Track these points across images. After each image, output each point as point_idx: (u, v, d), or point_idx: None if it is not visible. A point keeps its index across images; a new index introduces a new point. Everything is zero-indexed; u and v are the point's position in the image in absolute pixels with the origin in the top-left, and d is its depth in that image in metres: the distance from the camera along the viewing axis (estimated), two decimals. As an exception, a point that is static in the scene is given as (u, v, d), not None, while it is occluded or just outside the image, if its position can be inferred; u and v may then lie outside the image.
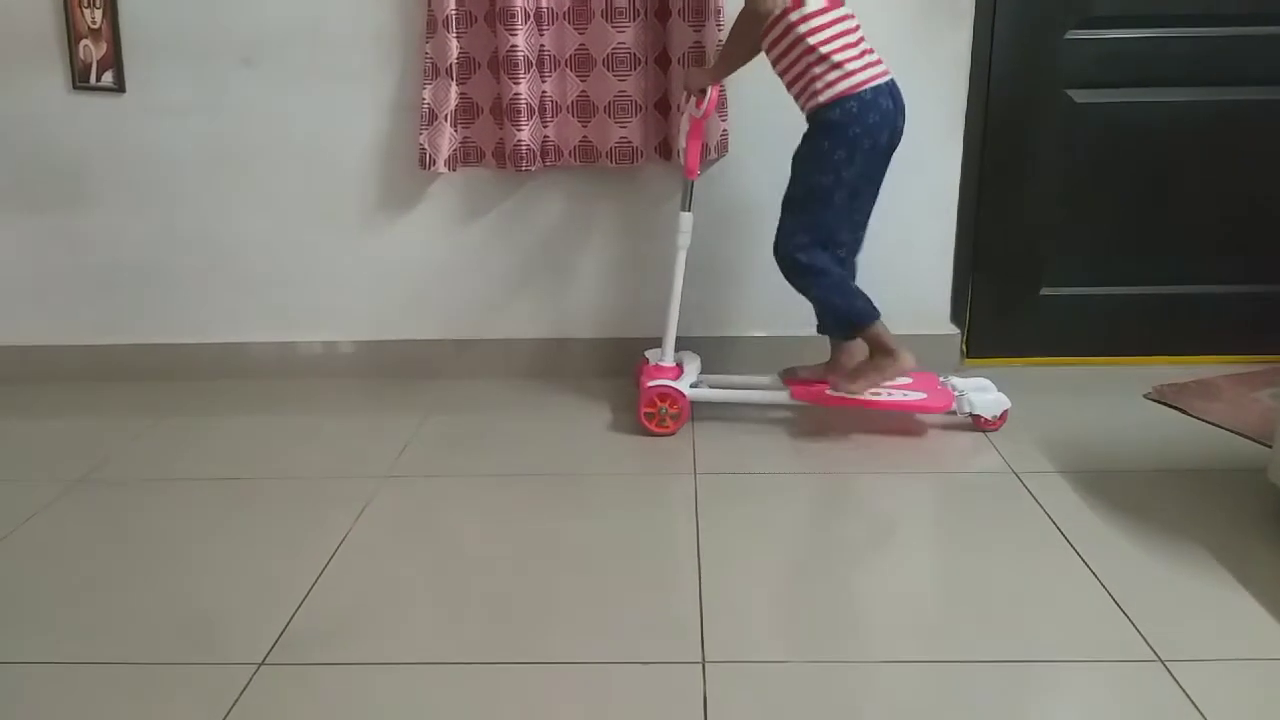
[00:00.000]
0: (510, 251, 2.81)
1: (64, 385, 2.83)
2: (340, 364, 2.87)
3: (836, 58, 2.12)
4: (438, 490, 2.18)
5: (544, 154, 2.65)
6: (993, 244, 2.82)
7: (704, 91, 2.32)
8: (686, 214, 2.43)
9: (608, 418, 2.54)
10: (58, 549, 1.94)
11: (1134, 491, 2.08)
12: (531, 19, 2.52)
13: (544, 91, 2.61)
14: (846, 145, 2.15)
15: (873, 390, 2.35)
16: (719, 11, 2.52)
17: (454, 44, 2.53)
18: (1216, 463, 2.22)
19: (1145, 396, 2.62)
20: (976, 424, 2.41)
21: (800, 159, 2.24)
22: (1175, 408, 2.53)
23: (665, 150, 2.66)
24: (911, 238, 2.77)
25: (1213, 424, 2.42)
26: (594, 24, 2.56)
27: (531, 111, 2.57)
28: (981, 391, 2.42)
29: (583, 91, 2.63)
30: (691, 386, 2.47)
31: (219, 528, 2.02)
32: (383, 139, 2.71)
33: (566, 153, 2.67)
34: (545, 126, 2.63)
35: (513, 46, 2.49)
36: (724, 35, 2.58)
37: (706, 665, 1.51)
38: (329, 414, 2.63)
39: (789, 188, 2.27)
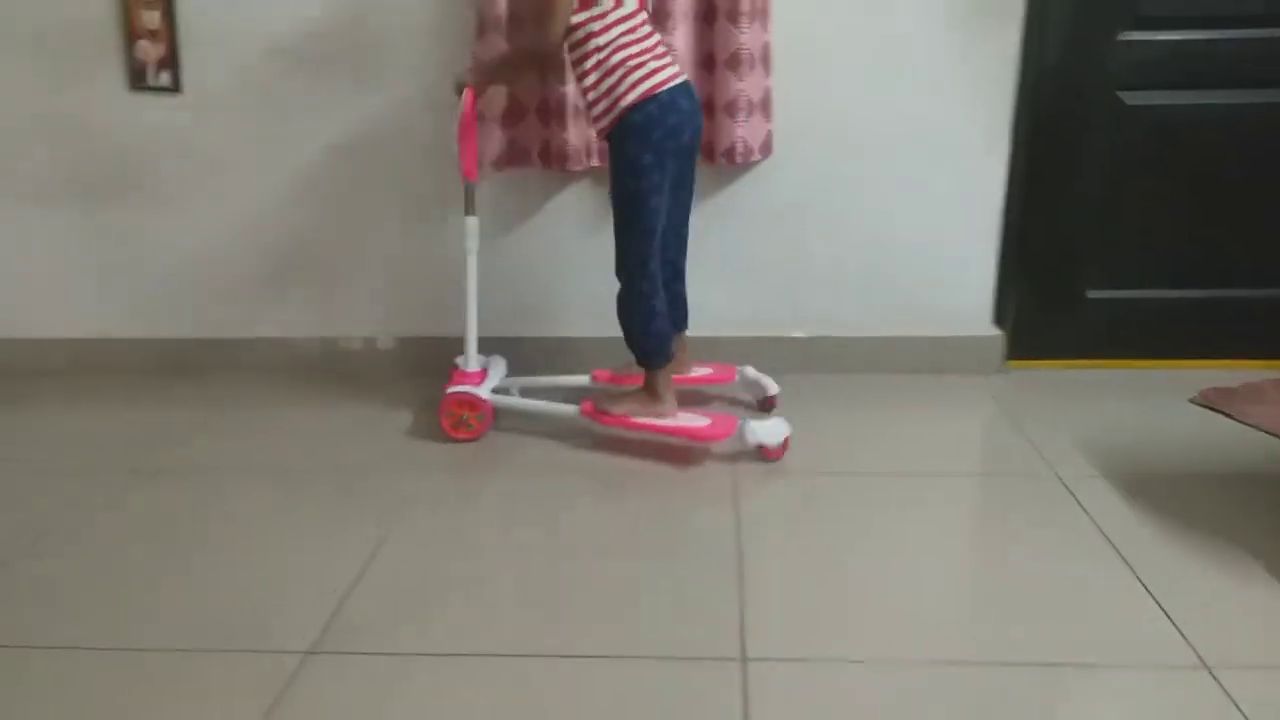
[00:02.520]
0: (554, 249, 2.84)
1: (121, 378, 2.90)
2: (381, 359, 2.92)
3: (634, 61, 2.13)
4: (472, 486, 2.22)
5: (589, 154, 2.68)
6: (1037, 245, 2.81)
7: (469, 91, 2.30)
8: (471, 218, 2.43)
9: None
10: (120, 536, 2.00)
11: (1179, 496, 2.07)
12: (578, 20, 2.55)
13: (589, 92, 2.63)
14: (654, 148, 2.13)
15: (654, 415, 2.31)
16: (765, 13, 2.53)
17: (503, 45, 2.56)
18: (1263, 467, 2.20)
19: (1190, 401, 2.60)
20: (763, 454, 2.28)
21: (612, 173, 2.20)
22: (1221, 412, 2.51)
23: (709, 151, 2.68)
24: (954, 238, 2.77)
25: (1259, 429, 2.40)
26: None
27: (577, 112, 2.60)
28: (765, 423, 2.29)
29: (627, 92, 2.65)
30: (494, 391, 2.48)
31: (270, 518, 2.07)
32: (431, 139, 2.75)
33: (611, 153, 2.70)
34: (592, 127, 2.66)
35: (560, 48, 2.52)
36: (770, 37, 2.60)
37: (749, 663, 1.53)
38: (372, 408, 2.67)
39: (612, 207, 2.23)
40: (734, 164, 2.67)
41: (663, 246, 2.27)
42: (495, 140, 2.65)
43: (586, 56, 2.14)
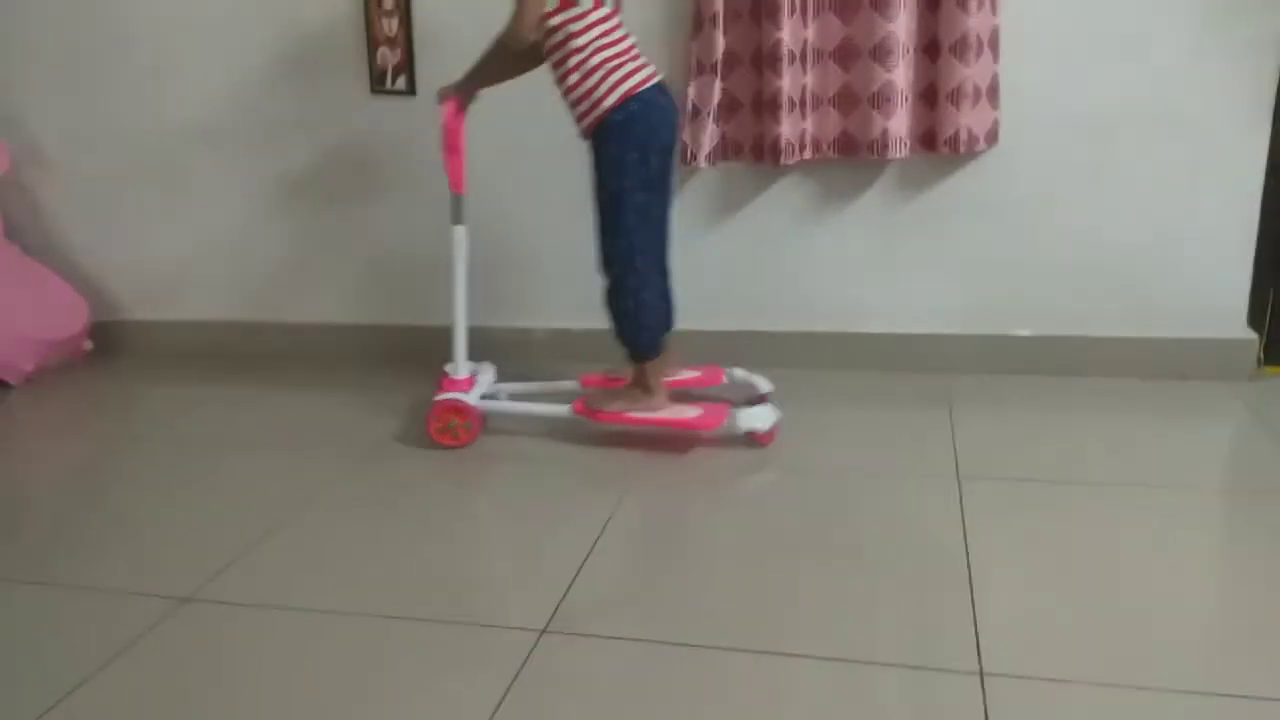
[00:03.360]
0: (762, 243, 2.82)
1: (347, 361, 3.11)
2: (591, 348, 2.99)
3: (614, 62, 2.16)
4: (689, 478, 2.23)
5: (802, 147, 2.64)
6: (1301, 239, 2.55)
7: (451, 100, 2.35)
8: (459, 227, 2.43)
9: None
10: (354, 510, 2.14)
11: None
12: (798, 12, 2.52)
13: (805, 84, 2.60)
14: (637, 147, 2.17)
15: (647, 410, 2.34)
16: (995, -5, 2.42)
17: (720, 40, 2.57)
18: None
19: None
20: (754, 439, 2.33)
21: (595, 172, 2.22)
22: None
23: (930, 141, 2.59)
24: (1206, 233, 2.55)
25: None
26: (861, 14, 2.52)
27: (792, 105, 2.57)
28: (752, 410, 2.33)
29: (845, 83, 2.60)
30: (483, 398, 2.48)
31: (484, 500, 2.17)
32: (645, 134, 2.79)
33: (825, 145, 2.65)
34: (804, 120, 2.62)
35: (777, 41, 2.50)
36: (999, 20, 2.48)
37: (987, 678, 1.47)
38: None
39: (594, 207, 2.25)
40: (956, 153, 2.56)
41: (650, 244, 2.29)
42: (709, 134, 2.66)
43: (567, 57, 2.17)
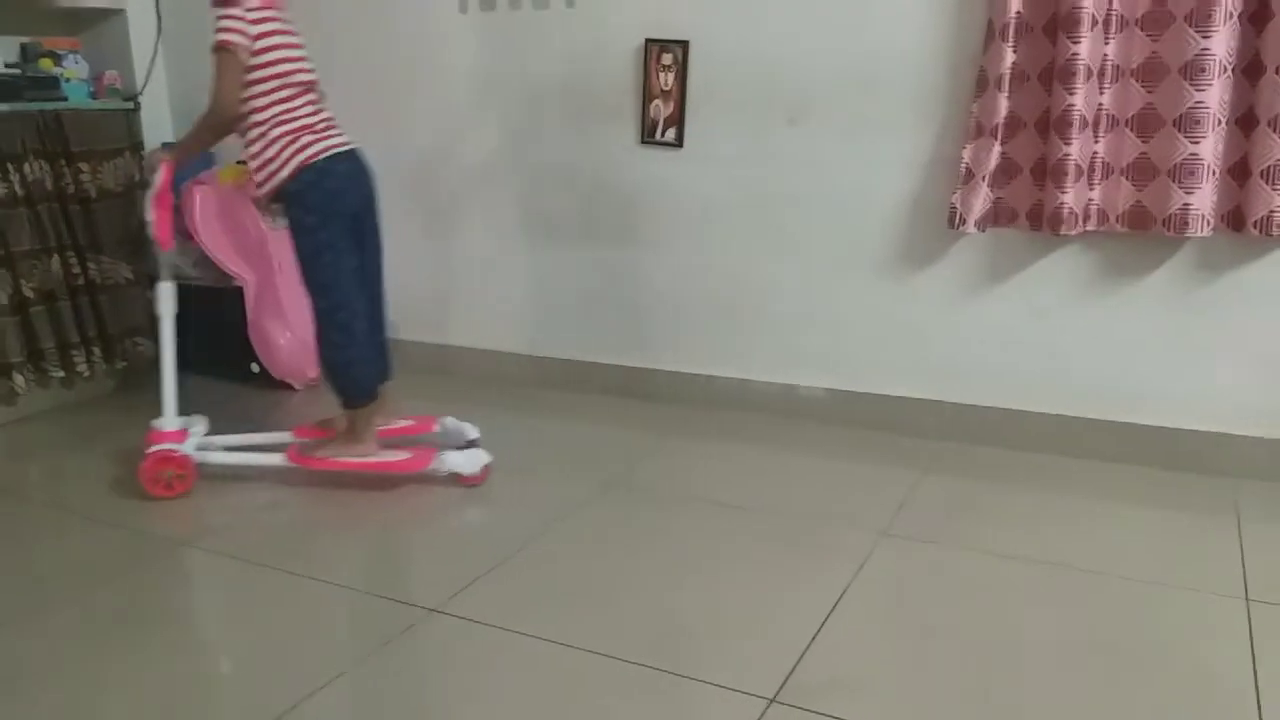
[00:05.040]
0: (1030, 317, 2.65)
1: (591, 397, 3.20)
2: (835, 409, 2.92)
3: (292, 135, 2.33)
4: (936, 557, 2.10)
5: (1086, 217, 2.47)
6: None
7: (168, 165, 2.44)
8: (165, 284, 2.47)
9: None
10: (589, 543, 2.18)
11: None
12: (1094, 77, 2.37)
13: (1095, 152, 2.43)
14: (316, 211, 2.35)
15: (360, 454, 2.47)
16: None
17: (1004, 103, 2.46)
18: None
19: None
20: (461, 482, 2.48)
21: (291, 237, 2.40)
22: None
23: (1237, 221, 2.35)
24: None
25: None
26: (1167, 81, 2.34)
27: (1080, 172, 2.41)
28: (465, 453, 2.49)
29: (1142, 153, 2.41)
30: (198, 449, 2.52)
31: (723, 550, 2.14)
32: (911, 195, 2.72)
33: (1113, 217, 2.47)
34: (1091, 189, 2.45)
35: (1069, 106, 2.36)
36: (1335, 91, 2.22)
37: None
38: (825, 456, 2.67)
39: (301, 270, 2.41)
40: (1269, 236, 2.31)
41: (353, 299, 2.42)
42: (982, 199, 2.54)
43: (250, 129, 2.35)
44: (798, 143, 2.82)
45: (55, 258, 3.02)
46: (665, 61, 2.92)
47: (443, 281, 3.45)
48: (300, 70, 2.38)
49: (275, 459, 2.50)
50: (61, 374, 3.06)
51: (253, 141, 2.36)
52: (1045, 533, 2.20)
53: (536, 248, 3.26)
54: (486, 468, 2.50)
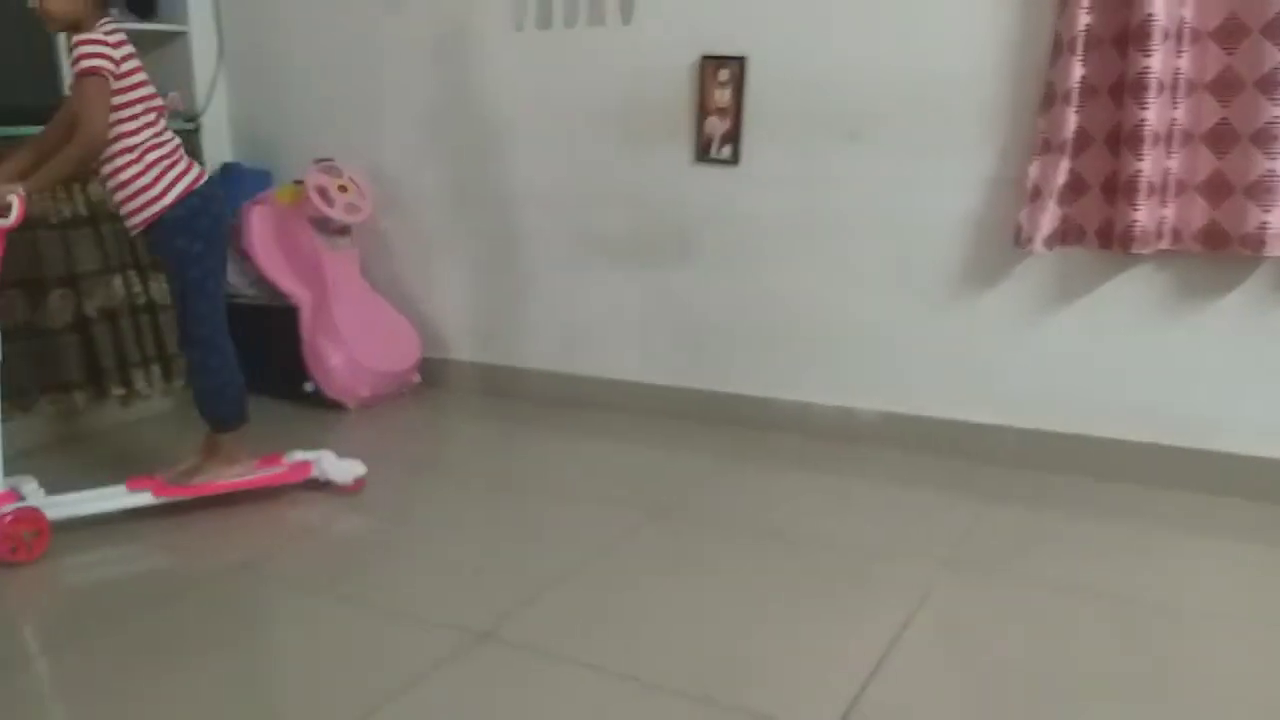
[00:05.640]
0: (1099, 339, 2.56)
1: (645, 418, 3.15)
2: (894, 434, 2.84)
3: (167, 161, 2.29)
4: (1002, 590, 2.03)
5: (1159, 236, 2.38)
6: None
7: (10, 205, 2.15)
8: None
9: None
10: (639, 570, 2.14)
11: None
12: (1167, 90, 2.29)
13: (1168, 168, 2.34)
14: (203, 238, 2.34)
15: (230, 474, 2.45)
16: None
17: (1072, 118, 2.38)
18: None
19: None
20: (338, 490, 2.50)
21: (169, 265, 2.40)
22: None
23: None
24: None
25: None
26: (1242, 96, 2.25)
27: (1151, 190, 2.33)
28: (334, 460, 2.53)
29: (1217, 169, 2.32)
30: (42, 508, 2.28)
31: (779, 579, 2.08)
32: (973, 213, 2.65)
33: (1187, 236, 2.38)
34: (1164, 206, 2.36)
35: (1141, 121, 2.28)
36: None
37: None
38: (884, 484, 2.61)
39: (173, 295, 2.44)
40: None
41: (223, 323, 2.43)
42: (1049, 217, 2.46)
43: (118, 155, 2.25)
44: (855, 160, 2.77)
45: (118, 277, 3.06)
46: (721, 78, 2.89)
47: (495, 301, 3.44)
48: (156, 95, 2.33)
49: (143, 498, 2.38)
50: (122, 392, 3.10)
51: (123, 169, 2.27)
52: (1116, 565, 2.12)
53: (589, 267, 3.24)
54: (360, 480, 2.54)
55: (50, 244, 2.90)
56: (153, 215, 2.30)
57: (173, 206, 2.30)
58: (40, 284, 2.89)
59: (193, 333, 2.42)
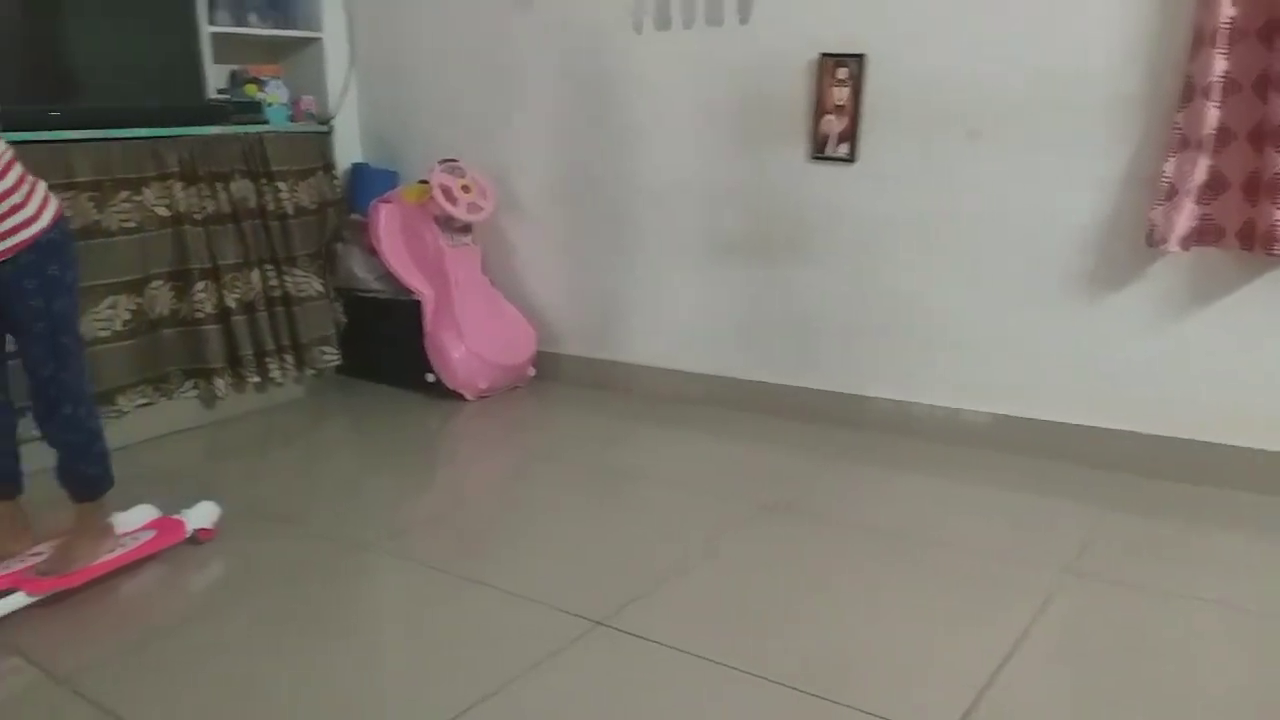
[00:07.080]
0: (1237, 344, 2.45)
1: (753, 415, 3.15)
2: (1004, 437, 2.77)
3: (27, 185, 1.94)
4: (1125, 599, 1.96)
5: (1306, 237, 2.27)
6: None
7: None
8: None
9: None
10: (749, 566, 2.15)
11: None
12: (1318, 84, 2.18)
13: (1318, 166, 2.23)
14: (74, 266, 2.05)
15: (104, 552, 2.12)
16: None
17: (1213, 114, 2.29)
18: None
19: None
20: (199, 537, 2.29)
21: (33, 299, 1.95)
22: None
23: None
24: None
25: None
26: (1404, 86, 2.13)
27: (1298, 188, 2.22)
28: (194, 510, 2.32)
29: (1373, 166, 2.19)
30: None
31: (891, 581, 2.07)
32: (1102, 213, 2.57)
33: (1337, 238, 2.26)
34: (1312, 206, 2.25)
35: (1288, 115, 2.18)
36: None
37: None
38: (997, 487, 2.55)
39: (35, 336, 1.98)
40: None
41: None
42: (1186, 216, 2.37)
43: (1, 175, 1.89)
44: (975, 158, 2.71)
45: (256, 271, 3.23)
46: (840, 76, 2.87)
47: (609, 297, 3.49)
48: None
49: (18, 600, 1.98)
50: (258, 379, 3.27)
51: (9, 192, 1.91)
52: (1242, 576, 2.03)
53: (705, 264, 3.26)
54: (218, 520, 2.33)
55: (195, 238, 3.08)
56: (27, 238, 1.94)
57: (48, 230, 1.97)
58: (187, 276, 3.08)
59: (70, 380, 2.03)
